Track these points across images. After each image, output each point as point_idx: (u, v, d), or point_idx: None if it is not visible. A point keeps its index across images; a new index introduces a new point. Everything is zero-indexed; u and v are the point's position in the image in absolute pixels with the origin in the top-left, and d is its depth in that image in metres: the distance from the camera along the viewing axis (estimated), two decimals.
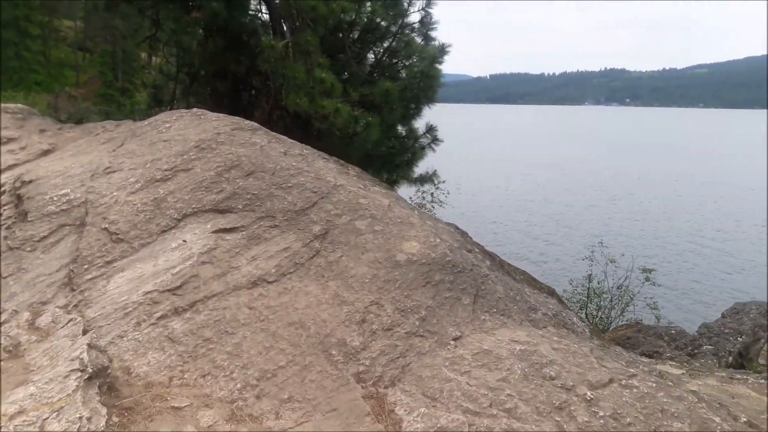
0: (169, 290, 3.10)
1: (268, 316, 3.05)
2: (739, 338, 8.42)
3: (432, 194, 14.74)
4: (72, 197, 3.72)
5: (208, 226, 3.49)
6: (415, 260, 3.27)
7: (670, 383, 2.80)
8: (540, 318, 3.22)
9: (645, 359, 3.55)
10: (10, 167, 4.69)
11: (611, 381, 2.72)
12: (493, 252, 4.18)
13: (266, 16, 10.53)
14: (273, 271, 3.23)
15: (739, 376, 3.16)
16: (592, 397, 2.58)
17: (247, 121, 4.62)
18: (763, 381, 3.08)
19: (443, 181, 13.83)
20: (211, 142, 4.09)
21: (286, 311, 3.06)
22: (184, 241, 3.37)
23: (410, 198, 14.42)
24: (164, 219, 3.52)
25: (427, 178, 12.37)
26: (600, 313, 11.27)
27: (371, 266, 3.26)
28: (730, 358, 8.24)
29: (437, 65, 10.46)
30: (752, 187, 48.23)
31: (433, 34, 11.24)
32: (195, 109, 4.71)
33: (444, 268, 3.24)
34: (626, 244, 26.62)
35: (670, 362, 3.48)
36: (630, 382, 2.74)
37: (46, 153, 5.14)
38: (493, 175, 52.30)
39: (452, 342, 2.90)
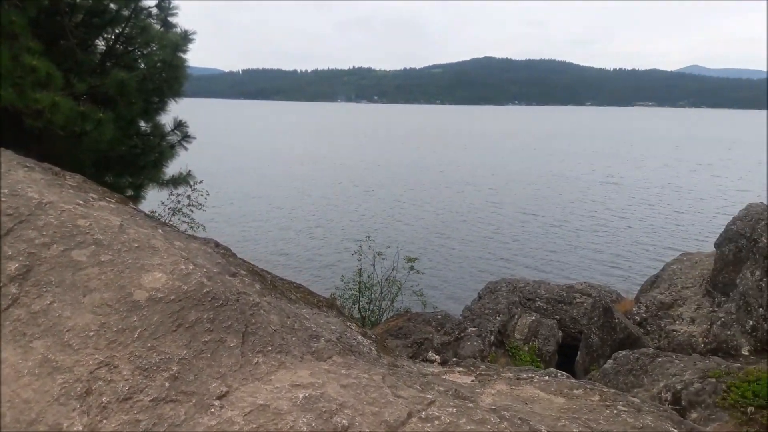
0: None
1: None
2: (497, 317, 9.18)
3: (189, 197, 13.49)
4: None
5: None
6: (160, 297, 2.49)
7: (470, 404, 2.53)
8: (323, 347, 2.71)
9: (434, 369, 3.30)
10: None
11: (410, 415, 2.33)
12: (263, 270, 3.57)
13: None
14: None
15: (524, 375, 3.07)
16: None
17: None
18: (547, 377, 3.03)
19: (200, 182, 12.73)
20: None
21: None
22: None
23: (162, 203, 12.99)
24: None
25: (180, 180, 11.21)
26: (372, 306, 11.44)
27: (98, 312, 2.40)
28: (492, 337, 8.96)
29: (181, 54, 9.43)
30: (471, 180, 55.17)
31: (174, 20, 10.13)
32: None
33: (201, 303, 2.53)
34: (391, 236, 28.14)
35: (458, 368, 3.29)
36: (430, 412, 2.38)
37: None
38: (253, 173, 51.45)
39: (217, 402, 2.23)
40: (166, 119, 9.86)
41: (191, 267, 2.69)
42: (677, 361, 6.45)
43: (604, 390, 2.83)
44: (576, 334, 10.40)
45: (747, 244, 9.19)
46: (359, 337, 3.12)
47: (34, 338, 2.26)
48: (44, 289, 2.46)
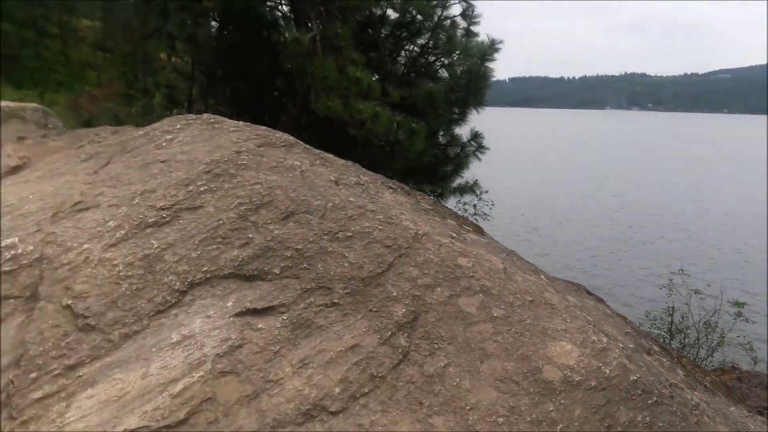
0: (167, 427, 1.77)
1: None
2: None
3: (475, 206, 13.38)
4: (21, 251, 2.38)
5: (229, 305, 2.16)
6: (577, 381, 1.91)
7: None
8: None
9: None
10: None
11: None
12: (646, 335, 2.82)
13: (286, 8, 9.39)
14: (337, 391, 1.90)
15: None
16: None
17: (279, 134, 3.26)
18: None
19: (485, 191, 12.47)
20: (228, 164, 2.72)
21: None
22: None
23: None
24: (160, 291, 2.17)
25: (467, 188, 11.06)
26: (685, 352, 9.80)
27: (502, 390, 1.91)
28: None
29: (487, 64, 9.17)
30: None
31: (475, 29, 9.97)
32: (207, 115, 3.33)
33: (630, 398, 1.88)
34: (709, 270, 23.52)
35: None
36: None
37: (14, 171, 3.86)
38: (540, 185, 48.62)
39: None
40: (462, 129, 9.76)
41: (604, 340, 2.07)
42: None
43: None
44: None
45: None
46: None
47: (433, 412, 1.85)
48: (435, 345, 2.07)
